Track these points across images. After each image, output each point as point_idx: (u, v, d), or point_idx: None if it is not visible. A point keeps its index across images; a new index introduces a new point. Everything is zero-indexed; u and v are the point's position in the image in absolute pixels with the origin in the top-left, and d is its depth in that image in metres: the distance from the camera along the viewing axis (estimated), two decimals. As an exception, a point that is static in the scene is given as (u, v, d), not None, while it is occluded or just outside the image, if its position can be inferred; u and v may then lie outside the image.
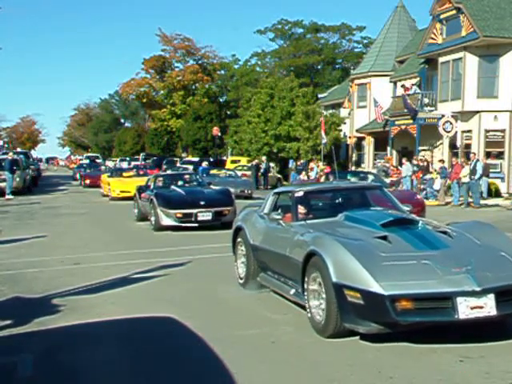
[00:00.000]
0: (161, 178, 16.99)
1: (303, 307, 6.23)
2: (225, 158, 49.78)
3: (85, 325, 6.38)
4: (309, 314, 5.95)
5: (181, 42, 61.60)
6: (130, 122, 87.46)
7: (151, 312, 6.83)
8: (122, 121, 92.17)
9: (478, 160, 22.29)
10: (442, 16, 28.77)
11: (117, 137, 78.17)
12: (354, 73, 38.24)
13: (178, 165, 39.87)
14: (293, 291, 6.51)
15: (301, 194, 7.29)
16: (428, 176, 25.31)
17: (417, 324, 5.20)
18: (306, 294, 6.01)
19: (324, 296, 5.60)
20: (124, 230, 14.89)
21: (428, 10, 29.73)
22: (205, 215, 14.06)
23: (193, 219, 13.99)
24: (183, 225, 14.01)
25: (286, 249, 6.53)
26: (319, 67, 57.39)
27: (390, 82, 34.36)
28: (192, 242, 12.34)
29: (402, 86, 31.97)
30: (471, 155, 23.36)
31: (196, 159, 44.52)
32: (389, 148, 33.12)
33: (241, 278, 8.01)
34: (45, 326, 6.33)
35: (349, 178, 16.98)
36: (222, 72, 63.42)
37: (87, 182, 34.77)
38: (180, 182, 16.67)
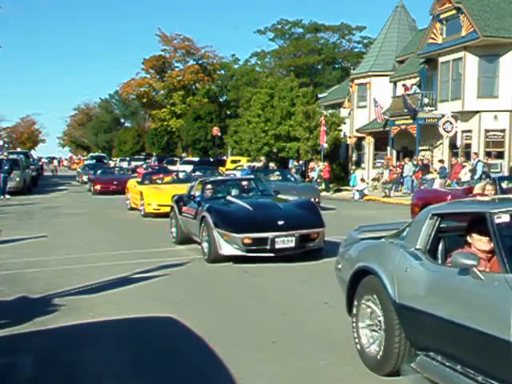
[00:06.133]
0: (210, 186, 12.09)
1: None
2: (225, 157, 49.80)
3: (85, 325, 6.37)
4: None
5: (181, 42, 61.67)
6: (130, 122, 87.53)
7: (151, 312, 6.83)
8: (122, 121, 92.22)
9: (479, 160, 22.28)
10: (441, 16, 28.75)
11: (117, 137, 78.27)
12: (354, 73, 38.22)
13: (178, 165, 39.88)
14: None
15: (507, 219, 4.04)
16: (429, 176, 25.30)
17: None
18: None
19: None
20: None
21: (428, 9, 29.77)
22: (286, 241, 9.74)
23: (268, 247, 9.70)
24: (253, 255, 9.76)
25: (498, 324, 3.58)
26: (319, 67, 57.36)
27: (390, 82, 34.35)
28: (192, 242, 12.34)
29: (403, 85, 31.96)
30: (472, 155, 23.34)
31: (196, 159, 44.61)
32: (389, 148, 33.13)
33: (374, 360, 4.78)
34: (45, 325, 6.32)
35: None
36: (222, 72, 63.45)
37: (98, 187, 27.90)
38: (234, 191, 12.11)
